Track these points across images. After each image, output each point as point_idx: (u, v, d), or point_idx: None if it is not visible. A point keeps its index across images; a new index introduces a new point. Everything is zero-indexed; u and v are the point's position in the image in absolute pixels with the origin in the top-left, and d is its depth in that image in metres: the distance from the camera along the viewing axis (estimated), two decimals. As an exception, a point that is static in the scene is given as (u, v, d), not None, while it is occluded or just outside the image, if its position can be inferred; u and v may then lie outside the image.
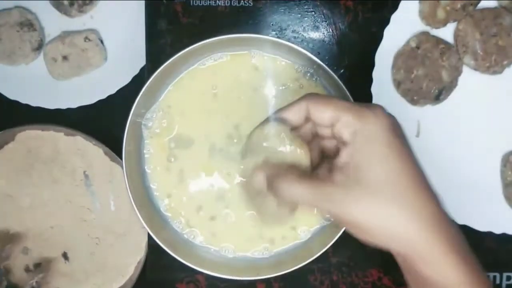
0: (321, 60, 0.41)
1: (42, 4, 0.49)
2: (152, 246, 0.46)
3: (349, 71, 0.46)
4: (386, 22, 0.43)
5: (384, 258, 0.46)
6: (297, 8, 0.46)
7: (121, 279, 0.49)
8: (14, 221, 0.49)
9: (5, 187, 0.49)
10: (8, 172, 0.49)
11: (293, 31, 0.47)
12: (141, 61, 0.48)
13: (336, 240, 0.41)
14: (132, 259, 0.49)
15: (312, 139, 0.33)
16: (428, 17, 0.42)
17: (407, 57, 0.42)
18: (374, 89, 0.43)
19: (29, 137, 0.48)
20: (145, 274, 0.48)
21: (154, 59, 0.46)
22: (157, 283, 0.47)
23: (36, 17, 0.49)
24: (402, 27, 0.43)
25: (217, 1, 0.46)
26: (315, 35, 0.46)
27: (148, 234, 0.43)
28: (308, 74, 0.43)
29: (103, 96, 0.49)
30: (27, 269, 0.49)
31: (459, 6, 0.42)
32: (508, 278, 0.46)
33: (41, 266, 0.49)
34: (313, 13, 0.46)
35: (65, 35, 0.49)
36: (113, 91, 0.49)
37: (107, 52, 0.50)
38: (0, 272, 0.49)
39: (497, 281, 0.46)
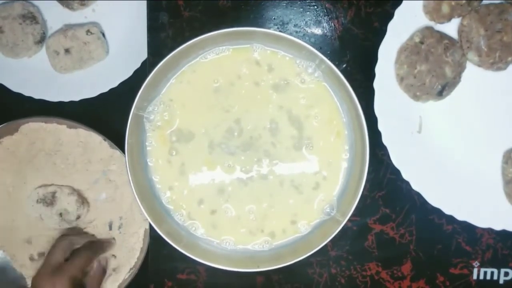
0: (323, 54, 0.39)
1: (44, -3, 0.48)
2: (154, 237, 0.45)
3: (351, 66, 0.44)
4: (388, 16, 0.41)
5: (382, 252, 0.45)
6: (299, 2, 0.45)
7: (123, 269, 0.48)
8: (18, 212, 0.48)
9: (9, 178, 0.48)
10: (12, 163, 0.48)
11: (295, 26, 0.44)
12: (143, 55, 0.46)
13: (335, 234, 0.40)
14: (134, 250, 0.48)
15: None
16: (433, 12, 0.40)
17: (411, 52, 0.40)
18: (376, 84, 0.41)
19: (32, 129, 0.47)
20: (147, 265, 0.47)
21: (155, 53, 0.44)
22: (158, 273, 0.46)
23: (39, 10, 0.48)
24: (406, 22, 0.40)
25: (219, -6, 0.44)
26: (317, 29, 0.44)
27: (150, 225, 0.41)
28: (310, 69, 0.41)
29: (105, 89, 0.48)
30: (31, 258, 0.48)
31: (464, 1, 0.40)
32: (506, 274, 0.44)
33: (45, 255, 0.48)
34: (315, 7, 0.44)
35: (67, 28, 0.48)
36: (114, 84, 0.48)
37: (109, 45, 0.49)
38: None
39: (495, 277, 0.44)
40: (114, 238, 0.48)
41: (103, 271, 0.46)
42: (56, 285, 0.40)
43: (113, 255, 0.48)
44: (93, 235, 0.48)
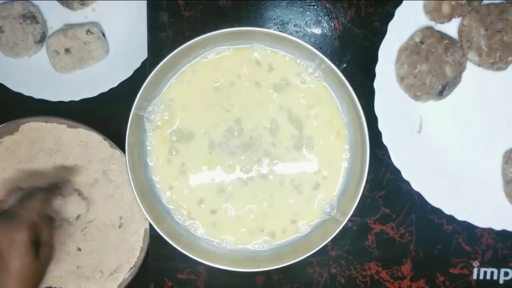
0: (323, 54, 0.39)
1: (44, -3, 0.48)
2: (154, 237, 0.45)
3: (351, 66, 0.44)
4: (389, 16, 0.41)
5: (382, 252, 0.45)
6: (299, 2, 0.44)
7: (123, 268, 0.48)
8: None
9: (9, 177, 0.47)
10: (12, 163, 0.47)
11: (295, 25, 0.44)
12: (143, 54, 0.46)
13: (335, 234, 0.40)
14: (134, 250, 0.48)
15: None
16: (433, 11, 0.40)
17: (411, 52, 0.40)
18: (376, 84, 0.41)
19: (33, 129, 0.47)
20: (147, 265, 0.47)
21: (156, 53, 0.44)
22: (158, 273, 0.46)
23: (39, 10, 0.48)
24: (406, 22, 0.40)
25: (219, -6, 0.44)
26: (317, 29, 0.44)
27: (150, 225, 0.41)
28: (310, 69, 0.41)
29: (105, 89, 0.47)
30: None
31: (464, 0, 0.39)
32: (506, 274, 0.44)
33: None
34: (315, 7, 0.44)
35: (67, 28, 0.48)
36: (115, 84, 0.47)
37: (109, 45, 0.49)
38: None
39: (495, 277, 0.44)
40: (69, 180, 0.44)
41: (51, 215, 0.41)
42: (12, 233, 0.35)
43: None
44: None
